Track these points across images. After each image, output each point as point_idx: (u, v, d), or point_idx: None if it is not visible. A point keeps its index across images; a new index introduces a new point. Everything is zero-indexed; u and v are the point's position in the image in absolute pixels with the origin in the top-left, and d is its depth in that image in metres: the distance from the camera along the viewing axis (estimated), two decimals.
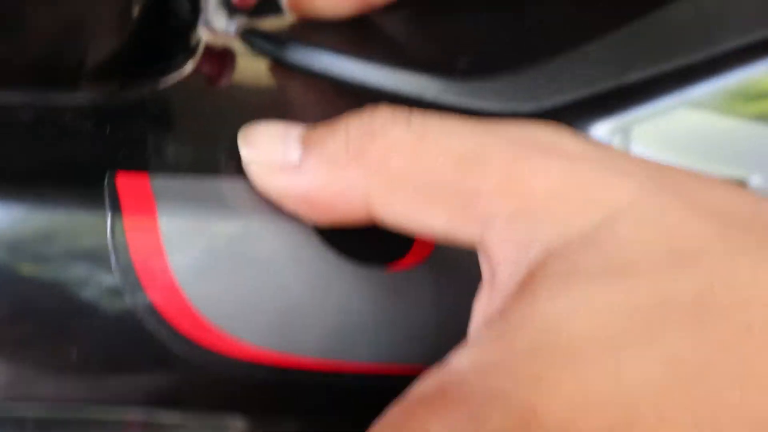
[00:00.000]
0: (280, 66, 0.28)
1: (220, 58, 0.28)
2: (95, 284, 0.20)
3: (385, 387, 0.21)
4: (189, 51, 0.26)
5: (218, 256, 0.21)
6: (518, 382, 0.15)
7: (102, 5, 0.21)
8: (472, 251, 0.19)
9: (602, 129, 0.28)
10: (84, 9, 0.21)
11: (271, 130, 0.21)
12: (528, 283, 0.17)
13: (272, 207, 0.20)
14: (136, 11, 0.21)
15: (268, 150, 0.20)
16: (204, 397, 0.22)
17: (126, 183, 0.21)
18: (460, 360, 0.16)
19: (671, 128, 0.29)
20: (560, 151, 0.18)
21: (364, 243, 0.22)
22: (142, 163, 0.20)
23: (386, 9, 0.31)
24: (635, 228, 0.17)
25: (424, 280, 0.23)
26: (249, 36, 0.29)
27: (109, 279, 0.20)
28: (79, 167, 0.21)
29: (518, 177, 0.18)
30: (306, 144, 0.20)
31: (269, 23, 0.29)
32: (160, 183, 0.21)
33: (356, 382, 0.22)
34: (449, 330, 0.24)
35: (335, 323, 0.22)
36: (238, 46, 0.29)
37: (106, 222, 0.20)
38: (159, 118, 0.22)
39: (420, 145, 0.19)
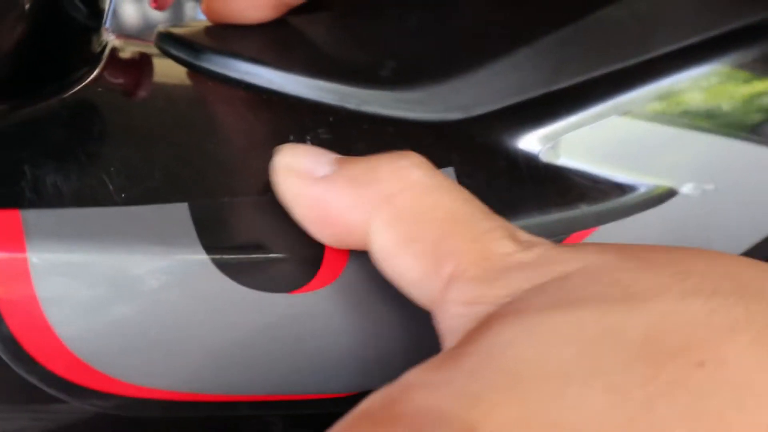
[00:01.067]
0: (195, 73, 0.27)
1: (129, 64, 0.27)
2: None
3: (289, 414, 0.21)
4: (90, 60, 0.24)
5: (99, 295, 0.20)
6: (460, 400, 0.15)
7: None
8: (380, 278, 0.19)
9: (532, 137, 0.28)
10: None
11: (311, 148, 0.23)
12: (482, 323, 0.18)
13: (163, 237, 0.19)
14: (22, 22, 0.20)
15: (304, 158, 0.22)
16: None
17: None
18: (408, 377, 0.17)
19: (602, 137, 0.28)
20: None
21: (266, 270, 0.21)
22: (15, 194, 0.19)
23: (306, 11, 0.30)
24: (589, 277, 0.18)
25: (330, 304, 0.22)
26: (163, 42, 0.28)
27: None
28: None
29: (487, 247, 0.20)
30: (338, 163, 0.22)
31: (184, 29, 0.28)
32: (32, 217, 0.20)
33: (258, 411, 0.22)
34: (355, 357, 0.23)
35: (233, 353, 0.21)
36: (152, 52, 0.28)
37: None
38: (44, 142, 0.21)
39: (429, 194, 0.21)
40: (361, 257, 0.23)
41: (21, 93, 0.17)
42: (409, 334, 0.25)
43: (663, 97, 0.29)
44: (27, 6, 0.20)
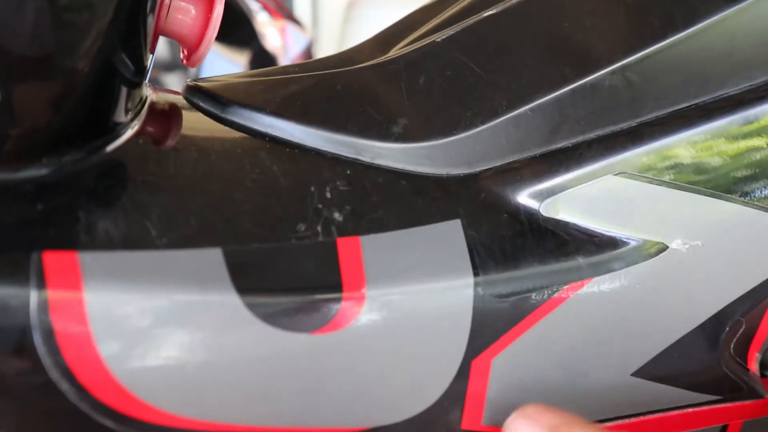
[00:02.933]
0: (221, 125, 0.29)
1: (166, 117, 0.28)
2: (20, 362, 0.20)
3: None
4: (133, 113, 0.26)
5: (145, 331, 0.21)
6: None
7: (43, 81, 0.21)
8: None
9: (532, 193, 0.29)
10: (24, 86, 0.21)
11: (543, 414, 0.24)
12: None
13: (200, 279, 0.21)
14: (81, 80, 0.22)
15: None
16: None
17: (53, 260, 0.21)
18: None
19: (598, 194, 0.30)
20: None
21: (290, 311, 0.23)
22: (73, 237, 0.21)
23: (325, 66, 0.32)
24: None
25: (348, 344, 0.24)
26: (191, 95, 0.30)
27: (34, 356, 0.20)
28: (7, 245, 0.21)
29: None
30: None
31: (211, 82, 0.30)
32: (88, 259, 0.21)
33: None
34: (374, 393, 0.25)
35: (265, 388, 0.23)
36: (183, 104, 0.30)
37: (29, 299, 0.21)
38: (95, 190, 0.23)
39: None
40: (374, 304, 0.25)
41: (74, 144, 0.18)
42: (418, 374, 0.26)
43: (654, 158, 0.30)
44: (86, 65, 0.21)
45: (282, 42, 1.29)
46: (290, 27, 1.31)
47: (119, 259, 0.21)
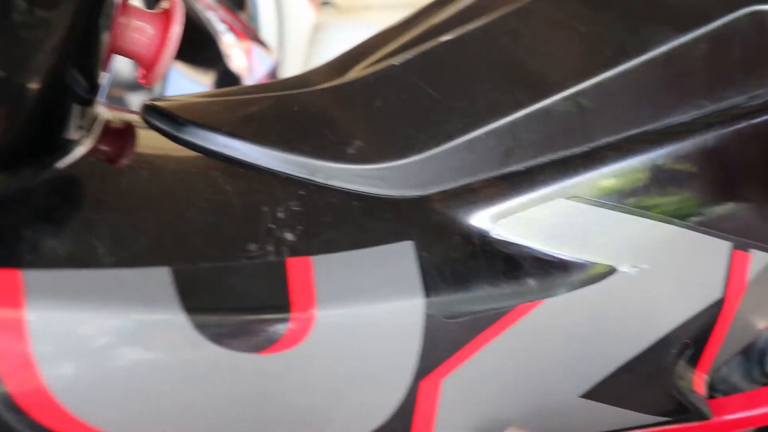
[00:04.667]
0: (176, 144, 0.29)
1: (120, 135, 0.28)
2: None
3: None
4: (86, 129, 0.26)
5: (90, 352, 0.21)
6: None
7: None
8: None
9: (484, 215, 0.30)
10: None
11: None
12: None
13: (147, 299, 0.21)
14: (30, 97, 0.21)
15: None
16: None
17: None
18: None
19: (549, 217, 0.30)
20: None
21: (238, 332, 0.23)
22: (16, 255, 0.21)
23: (283, 87, 0.32)
24: None
25: (296, 364, 0.24)
26: (148, 114, 0.30)
27: None
28: None
29: None
30: None
31: (168, 102, 0.30)
32: (32, 277, 0.21)
33: None
34: (321, 413, 0.25)
35: (212, 409, 0.22)
36: (139, 123, 0.30)
37: None
38: (43, 207, 0.22)
39: None
40: (324, 324, 0.25)
41: (24, 161, 0.18)
42: (367, 395, 0.26)
43: (605, 182, 0.31)
44: (37, 82, 0.21)
45: (247, 63, 1.29)
46: (256, 48, 1.31)
47: (64, 277, 0.21)
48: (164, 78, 1.27)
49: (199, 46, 1.28)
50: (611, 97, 0.33)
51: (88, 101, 0.25)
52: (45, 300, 0.21)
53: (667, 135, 0.33)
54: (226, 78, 1.27)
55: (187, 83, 1.30)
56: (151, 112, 0.30)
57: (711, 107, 0.34)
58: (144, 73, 0.29)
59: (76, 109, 0.25)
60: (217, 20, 1.28)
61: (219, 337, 0.23)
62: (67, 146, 0.25)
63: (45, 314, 0.21)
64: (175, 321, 0.22)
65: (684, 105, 0.34)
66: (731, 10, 0.33)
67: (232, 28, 1.31)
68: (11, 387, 0.21)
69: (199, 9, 1.26)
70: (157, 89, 1.26)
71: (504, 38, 0.34)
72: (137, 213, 0.24)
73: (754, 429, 0.37)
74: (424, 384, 0.27)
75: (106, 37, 0.24)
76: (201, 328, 0.23)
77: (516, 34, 0.34)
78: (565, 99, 0.32)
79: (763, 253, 0.32)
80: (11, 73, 0.21)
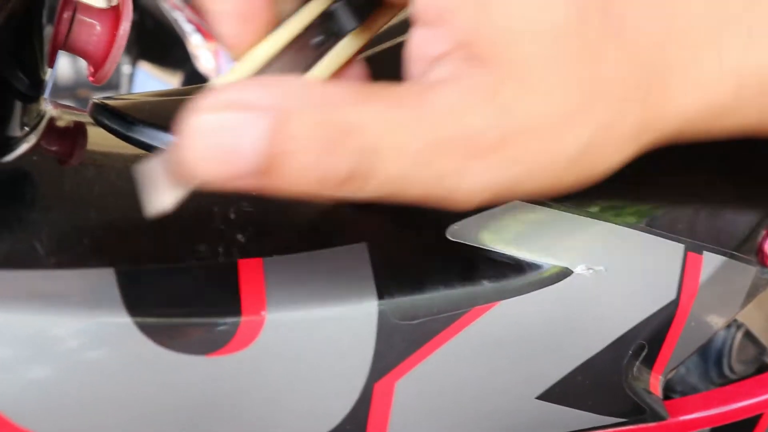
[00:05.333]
0: (125, 143, 0.28)
1: (66, 133, 0.28)
2: None
3: None
4: (27, 128, 0.25)
5: (29, 354, 0.21)
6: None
7: None
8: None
9: (440, 216, 0.30)
10: None
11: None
12: None
13: (89, 300, 0.20)
14: None
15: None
16: None
17: None
18: None
19: (504, 218, 0.30)
20: None
21: (185, 333, 0.22)
22: None
23: None
24: None
25: (246, 366, 0.24)
26: (97, 112, 0.29)
27: None
28: None
29: None
30: None
31: (117, 101, 0.30)
32: None
33: None
34: (272, 416, 0.24)
35: (158, 412, 0.22)
36: (87, 121, 0.29)
37: None
38: None
39: None
40: (275, 327, 0.24)
41: None
42: (319, 397, 0.26)
43: None
44: None
45: (215, 64, 1.28)
46: (223, 49, 1.31)
47: (2, 278, 0.21)
48: (131, 79, 1.26)
49: (166, 47, 1.27)
50: None
51: (31, 98, 0.25)
52: None
53: None
54: (194, 79, 1.26)
55: (154, 83, 1.29)
56: (101, 110, 0.29)
57: None
58: (92, 71, 0.29)
59: (18, 105, 0.24)
60: (184, 21, 1.27)
61: (165, 339, 0.22)
62: (9, 143, 0.24)
63: None
64: (119, 323, 0.22)
65: None
66: None
67: (199, 29, 1.30)
68: None
69: (166, 9, 1.25)
70: (124, 90, 1.25)
71: None
72: (81, 212, 0.24)
73: (710, 429, 0.37)
74: (379, 386, 0.27)
75: (48, 33, 0.23)
76: (147, 330, 0.22)
77: None
78: None
79: (715, 255, 0.32)
80: None
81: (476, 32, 0.21)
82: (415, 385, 0.28)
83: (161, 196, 0.21)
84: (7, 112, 0.24)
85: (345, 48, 0.24)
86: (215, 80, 0.22)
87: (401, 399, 0.27)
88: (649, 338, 0.32)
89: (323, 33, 0.24)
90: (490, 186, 0.22)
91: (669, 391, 0.38)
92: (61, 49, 0.26)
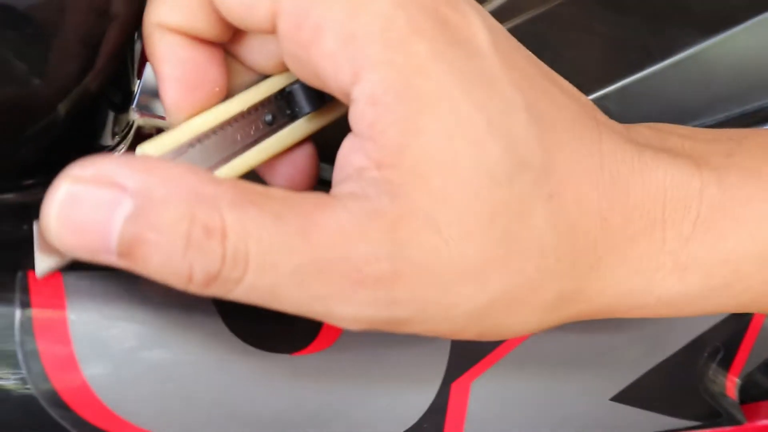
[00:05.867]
0: None
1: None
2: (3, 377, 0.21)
3: None
4: (120, 136, 0.27)
5: (127, 351, 0.22)
6: None
7: (31, 109, 0.22)
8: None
9: None
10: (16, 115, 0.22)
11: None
12: None
13: (183, 301, 0.21)
14: (66, 109, 0.22)
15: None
16: None
17: (38, 280, 0.22)
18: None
19: None
20: None
21: (271, 333, 0.23)
22: None
23: None
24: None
25: (328, 365, 0.24)
26: None
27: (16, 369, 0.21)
28: None
29: None
30: None
31: None
32: (72, 280, 0.22)
33: None
34: (352, 414, 0.25)
35: (244, 409, 0.23)
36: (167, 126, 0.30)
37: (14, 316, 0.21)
38: None
39: None
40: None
41: (63, 166, 0.19)
42: (397, 396, 0.26)
43: None
44: (78, 93, 0.22)
45: None
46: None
47: (101, 279, 0.22)
48: None
49: None
50: (637, 101, 0.33)
51: (122, 108, 0.26)
52: (84, 301, 0.22)
53: None
54: None
55: None
56: None
57: (737, 110, 0.34)
58: None
59: (111, 116, 0.25)
60: None
61: (253, 338, 0.23)
62: (103, 153, 0.25)
63: (84, 315, 0.21)
64: (211, 322, 0.23)
65: (710, 108, 0.34)
66: (758, 12, 0.33)
67: None
68: (57, 384, 0.21)
69: None
70: None
71: (527, 43, 0.34)
72: None
73: None
74: (456, 386, 0.27)
75: (139, 46, 0.24)
76: (236, 330, 0.23)
77: (541, 39, 0.34)
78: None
79: None
80: (54, 86, 0.22)
81: (397, 156, 0.19)
82: (490, 385, 0.28)
83: (41, 260, 0.21)
84: (102, 123, 0.25)
85: (296, 130, 0.24)
86: (139, 147, 0.22)
87: (477, 399, 0.28)
88: (725, 340, 0.32)
89: (276, 111, 0.23)
90: (369, 318, 0.20)
91: (745, 395, 0.38)
92: (147, 60, 0.27)
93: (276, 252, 0.18)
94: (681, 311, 0.24)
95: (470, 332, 0.21)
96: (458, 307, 0.20)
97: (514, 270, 0.20)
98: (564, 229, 0.21)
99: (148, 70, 0.25)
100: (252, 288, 0.19)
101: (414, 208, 0.19)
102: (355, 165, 0.20)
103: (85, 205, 0.18)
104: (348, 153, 0.20)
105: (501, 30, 0.22)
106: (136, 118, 0.28)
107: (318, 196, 0.19)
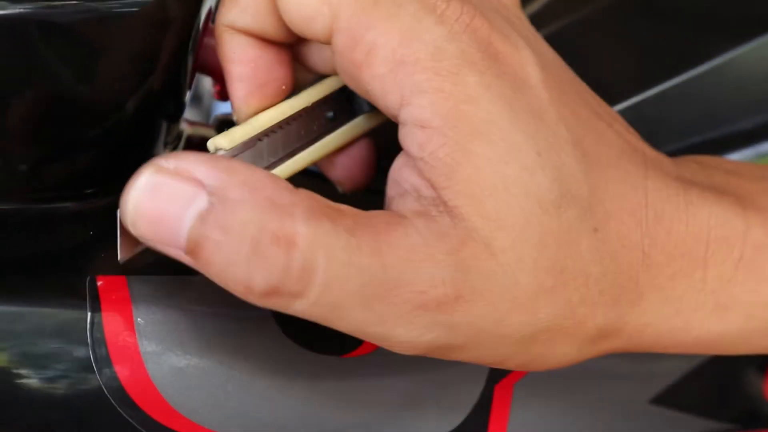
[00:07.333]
0: None
1: (200, 149, 0.29)
2: (75, 376, 0.22)
3: None
4: (172, 145, 0.27)
5: (186, 348, 0.22)
6: None
7: (91, 123, 0.22)
8: None
9: None
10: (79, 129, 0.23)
11: None
12: None
13: (238, 303, 0.22)
14: (125, 118, 0.23)
15: None
16: None
17: (106, 285, 0.22)
18: None
19: None
20: None
21: (321, 335, 0.24)
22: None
23: None
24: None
25: (377, 367, 0.25)
26: (222, 127, 0.31)
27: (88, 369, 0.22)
28: (64, 270, 0.23)
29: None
30: None
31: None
32: (136, 283, 0.23)
33: None
34: (398, 414, 0.25)
35: (295, 407, 0.24)
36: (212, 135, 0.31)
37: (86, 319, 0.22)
38: None
39: None
40: None
41: (121, 175, 0.20)
42: (442, 397, 0.27)
43: None
44: (135, 105, 0.23)
45: None
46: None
47: (166, 282, 0.23)
48: None
49: None
50: (674, 107, 0.33)
51: (175, 118, 0.27)
52: (147, 303, 0.22)
53: (730, 143, 0.33)
54: None
55: None
56: (223, 126, 0.31)
57: None
58: (218, 87, 0.31)
59: (164, 126, 0.26)
60: None
61: (305, 340, 0.24)
62: None
63: (149, 316, 0.22)
64: (265, 324, 0.23)
65: (747, 113, 0.34)
66: None
67: None
68: (126, 384, 0.22)
69: None
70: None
71: (564, 49, 0.35)
72: None
73: None
74: (499, 388, 0.28)
75: (192, 58, 0.25)
76: (288, 332, 0.24)
77: (576, 45, 0.34)
78: (628, 109, 0.32)
79: None
80: (112, 100, 0.23)
81: (448, 177, 0.19)
82: (532, 387, 0.28)
83: (122, 247, 0.21)
84: (156, 133, 0.26)
85: (356, 127, 0.24)
86: (212, 140, 0.23)
87: (519, 401, 0.28)
88: None
89: (337, 109, 0.24)
90: (426, 343, 0.20)
91: None
92: (198, 71, 0.28)
93: (346, 269, 0.18)
94: (719, 351, 0.24)
95: (513, 362, 0.21)
96: (509, 336, 0.20)
97: (562, 301, 0.20)
98: (608, 263, 0.21)
99: (196, 82, 0.26)
100: (314, 304, 0.19)
101: (473, 231, 0.19)
102: (410, 182, 0.20)
103: (162, 196, 0.18)
104: (401, 168, 0.21)
105: (555, 63, 0.23)
106: (185, 127, 0.29)
107: (387, 215, 0.20)
